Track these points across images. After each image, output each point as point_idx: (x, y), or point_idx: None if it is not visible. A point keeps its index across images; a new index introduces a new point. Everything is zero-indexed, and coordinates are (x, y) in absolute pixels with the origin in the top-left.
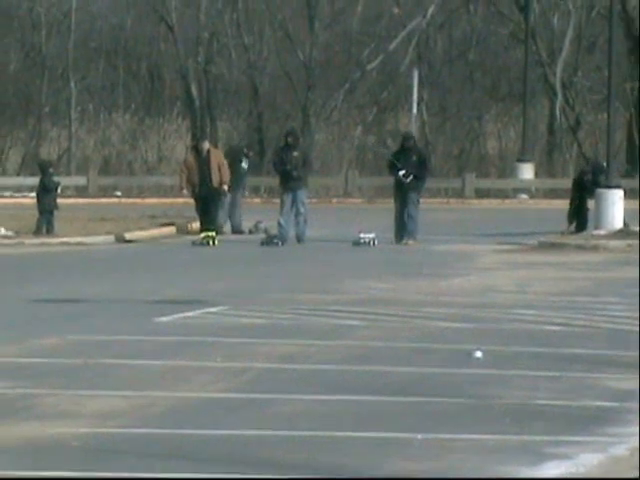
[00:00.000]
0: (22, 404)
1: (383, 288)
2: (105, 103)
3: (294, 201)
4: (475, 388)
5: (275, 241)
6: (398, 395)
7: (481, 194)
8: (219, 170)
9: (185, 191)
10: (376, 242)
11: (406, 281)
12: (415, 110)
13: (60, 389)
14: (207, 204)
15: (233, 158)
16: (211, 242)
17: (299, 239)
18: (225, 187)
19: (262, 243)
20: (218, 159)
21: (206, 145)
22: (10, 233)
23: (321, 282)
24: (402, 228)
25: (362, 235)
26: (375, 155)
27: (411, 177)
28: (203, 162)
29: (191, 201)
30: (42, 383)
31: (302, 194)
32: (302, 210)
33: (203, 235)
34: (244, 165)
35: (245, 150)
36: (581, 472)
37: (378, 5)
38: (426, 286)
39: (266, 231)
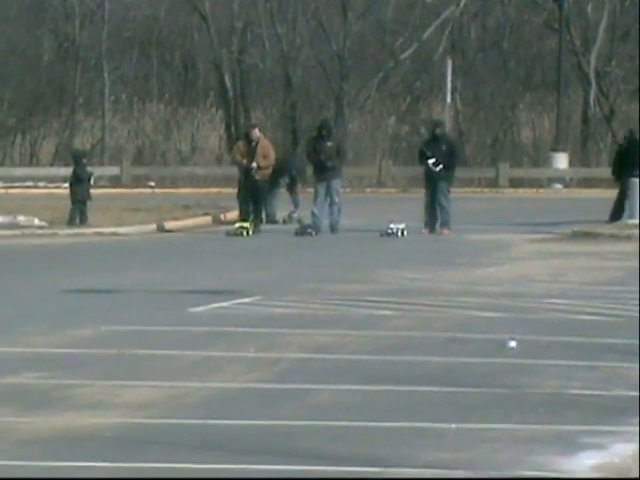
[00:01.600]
0: (56, 395)
1: (417, 278)
2: (138, 93)
3: (328, 191)
4: (509, 377)
5: (309, 231)
6: (432, 385)
7: (515, 184)
8: (264, 159)
9: (246, 162)
10: (405, 233)
11: (440, 271)
12: (449, 99)
13: (94, 380)
14: (250, 195)
15: (280, 169)
16: (245, 232)
17: (333, 229)
18: (254, 165)
19: (296, 233)
20: (265, 149)
21: (256, 133)
22: (44, 223)
23: (355, 272)
24: (433, 217)
25: (392, 225)
26: (409, 144)
27: (440, 166)
28: (251, 153)
29: (225, 190)
30: (76, 374)
31: (336, 184)
32: (336, 200)
33: (237, 225)
34: (281, 182)
35: (293, 172)
36: (615, 462)
37: None
38: (460, 275)
39: (300, 221)
